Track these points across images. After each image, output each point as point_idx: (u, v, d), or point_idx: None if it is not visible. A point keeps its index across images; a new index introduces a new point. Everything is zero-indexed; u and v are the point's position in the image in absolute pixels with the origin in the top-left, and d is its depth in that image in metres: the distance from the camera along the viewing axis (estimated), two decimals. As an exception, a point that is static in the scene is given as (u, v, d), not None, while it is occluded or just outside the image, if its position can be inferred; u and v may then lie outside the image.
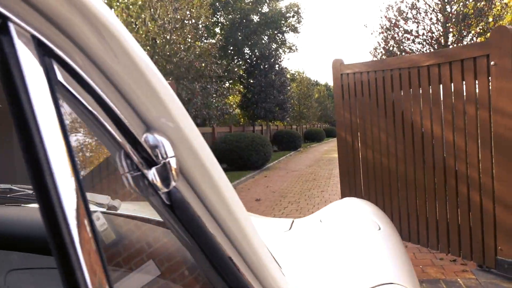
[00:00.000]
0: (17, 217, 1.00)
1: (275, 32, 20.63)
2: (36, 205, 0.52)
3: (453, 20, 7.95)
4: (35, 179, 0.31)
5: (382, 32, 9.08)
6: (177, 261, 0.59)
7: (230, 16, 19.32)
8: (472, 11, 7.64)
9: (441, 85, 3.69)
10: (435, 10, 8.17)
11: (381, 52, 9.14)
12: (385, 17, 8.95)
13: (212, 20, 20.53)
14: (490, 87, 3.17)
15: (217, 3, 18.97)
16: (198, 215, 0.48)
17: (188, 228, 0.47)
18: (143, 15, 8.47)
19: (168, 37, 8.15)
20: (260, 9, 19.51)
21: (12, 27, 0.30)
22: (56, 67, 0.34)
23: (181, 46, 7.81)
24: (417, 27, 8.45)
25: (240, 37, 19.02)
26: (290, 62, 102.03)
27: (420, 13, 8.38)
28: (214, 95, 8.16)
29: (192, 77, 7.94)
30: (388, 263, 1.11)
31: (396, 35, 8.71)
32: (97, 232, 0.34)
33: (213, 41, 20.86)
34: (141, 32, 8.42)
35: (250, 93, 19.57)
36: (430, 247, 3.86)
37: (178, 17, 7.96)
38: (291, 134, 23.66)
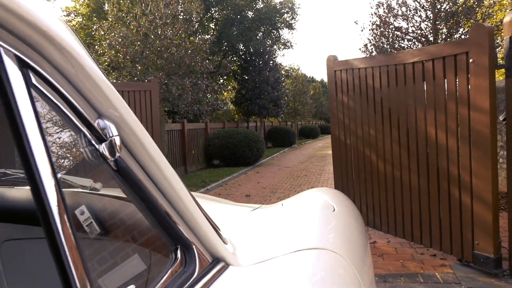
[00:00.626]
0: (12, 195, 1.19)
1: (270, 28, 20.60)
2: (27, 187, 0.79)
3: (442, 17, 7.99)
4: (23, 164, 0.46)
5: (372, 29, 9.12)
6: (139, 229, 0.74)
7: (225, 12, 19.26)
8: (460, 8, 7.69)
9: (424, 82, 3.73)
10: (424, 7, 8.21)
11: (372, 49, 9.17)
12: (375, 14, 8.98)
13: (207, 16, 20.50)
14: (469, 84, 3.21)
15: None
16: (139, 178, 0.64)
17: (132, 188, 0.63)
18: (134, 10, 8.45)
19: (159, 32, 8.14)
20: (254, 5, 19.47)
21: (1, 49, 0.45)
22: (31, 75, 0.49)
23: (172, 41, 7.81)
24: (407, 24, 8.50)
25: (234, 33, 18.98)
26: (285, 59, 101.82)
27: (410, 11, 8.43)
28: (205, 91, 8.16)
29: (183, 72, 7.94)
30: (330, 236, 1.24)
31: (386, 32, 8.75)
32: (70, 211, 0.49)
33: (207, 36, 20.87)
34: (132, 27, 8.41)
35: (244, 89, 19.56)
36: (414, 241, 3.91)
37: (169, 12, 7.94)
38: (286, 130, 23.69)
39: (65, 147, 0.59)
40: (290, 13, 21.36)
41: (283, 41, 23.65)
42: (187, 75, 8.03)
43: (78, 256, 0.47)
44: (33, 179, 0.45)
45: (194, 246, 0.72)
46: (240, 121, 20.25)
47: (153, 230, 0.68)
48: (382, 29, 8.78)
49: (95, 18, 13.15)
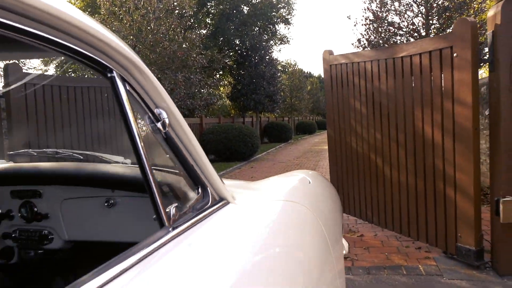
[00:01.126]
0: (67, 167, 1.70)
1: (266, 23, 20.54)
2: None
3: (435, 13, 8.00)
4: (130, 138, 0.85)
5: (365, 24, 9.12)
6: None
7: (221, 6, 19.19)
8: (453, 4, 7.70)
9: (412, 77, 3.75)
10: (417, 2, 8.21)
11: (364, 44, 9.17)
12: (368, 9, 8.98)
13: (202, 11, 20.42)
14: (453, 79, 3.23)
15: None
16: (177, 144, 1.02)
17: (173, 150, 1.02)
18: (127, 4, 8.42)
19: (152, 26, 8.12)
20: (250, 0, 19.41)
21: (115, 72, 0.82)
22: (126, 84, 0.86)
23: (165, 36, 7.79)
24: (400, 19, 8.51)
25: (230, 28, 18.93)
26: (282, 54, 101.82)
27: (402, 5, 8.43)
28: (198, 85, 8.15)
29: (176, 67, 7.93)
30: (303, 196, 1.65)
31: (379, 28, 8.74)
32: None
33: (204, 31, 20.79)
34: (125, 21, 8.38)
35: (240, 84, 19.54)
36: (402, 233, 3.94)
37: (162, 6, 7.92)
38: (282, 126, 23.71)
39: (140, 125, 0.94)
40: (286, 8, 21.30)
41: (279, 36, 23.60)
42: (180, 69, 8.02)
43: (158, 188, 0.86)
44: (135, 146, 0.84)
45: (208, 188, 1.12)
46: (236, 117, 20.25)
47: (186, 177, 1.08)
48: (375, 24, 8.78)
49: (87, 12, 13.08)
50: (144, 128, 0.94)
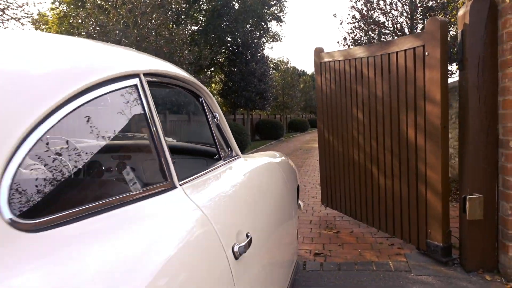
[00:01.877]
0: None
1: (257, 20, 20.49)
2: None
3: (419, 12, 8.05)
4: (211, 129, 1.96)
5: (351, 23, 9.16)
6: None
7: (213, 3, 19.11)
8: (436, 3, 7.75)
9: (390, 75, 3.77)
10: (401, 1, 8.27)
11: (351, 42, 9.21)
12: (354, 7, 9.01)
13: (194, 7, 20.33)
14: (425, 77, 3.26)
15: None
16: (222, 128, 1.97)
17: (220, 131, 1.95)
18: (114, -1, 8.37)
19: (139, 21, 8.08)
20: (242, -4, 19.35)
21: (202, 98, 1.86)
22: (201, 99, 1.81)
23: (151, 31, 7.75)
24: (385, 18, 8.55)
25: (222, 25, 18.86)
26: (275, 52, 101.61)
27: (387, 5, 8.47)
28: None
29: (162, 62, 7.86)
30: (275, 159, 2.73)
31: (365, 27, 8.78)
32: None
33: (195, 28, 20.69)
34: (112, 16, 8.33)
35: (231, 81, 19.50)
36: (381, 229, 3.98)
37: (148, 1, 7.88)
38: (274, 123, 23.72)
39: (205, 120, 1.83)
40: (278, 5, 21.25)
41: (271, 34, 23.55)
42: (166, 65, 7.98)
43: (220, 146, 1.91)
44: (210, 127, 1.84)
45: (233, 149, 2.05)
46: (227, 114, 20.21)
47: (225, 144, 1.99)
48: (360, 22, 8.82)
49: (72, 6, 12.97)
50: (211, 120, 1.84)
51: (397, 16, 8.34)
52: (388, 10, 8.41)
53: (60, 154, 0.89)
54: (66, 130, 0.91)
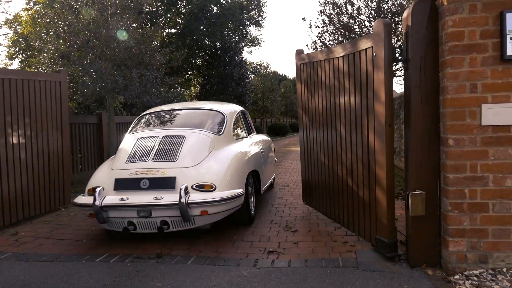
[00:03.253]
0: None
1: (236, 24, 20.56)
2: None
3: (385, 17, 8.24)
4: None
5: (319, 26, 9.32)
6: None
7: (190, 6, 19.09)
8: (400, 8, 7.97)
9: (348, 76, 3.83)
10: (369, 7, 8.46)
11: (320, 46, 9.35)
12: (322, 11, 9.17)
13: (173, 10, 20.28)
14: (374, 77, 3.34)
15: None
16: (249, 126, 6.32)
17: (249, 126, 6.28)
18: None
19: (109, 21, 8.01)
20: (221, 0, 19.39)
21: (243, 114, 6.30)
22: (243, 113, 6.31)
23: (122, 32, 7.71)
24: (353, 22, 8.72)
25: (200, 28, 18.85)
26: (256, 56, 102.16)
27: (354, 10, 8.65)
28: (154, 83, 8.09)
29: (132, 63, 7.85)
30: (267, 137, 6.97)
31: (333, 31, 8.96)
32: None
33: (172, 30, 20.62)
34: (81, 16, 8.24)
35: (208, 84, 19.50)
36: (345, 226, 4.06)
37: (118, 2, 7.83)
38: (253, 127, 23.77)
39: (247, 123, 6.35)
40: (256, 10, 21.37)
41: (250, 38, 23.66)
42: (136, 66, 7.95)
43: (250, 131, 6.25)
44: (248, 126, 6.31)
45: (252, 131, 6.25)
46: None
47: (253, 129, 6.47)
48: (329, 27, 8.98)
49: (45, 6, 12.80)
50: (249, 121, 6.03)
51: (364, 20, 8.53)
52: (356, 15, 8.59)
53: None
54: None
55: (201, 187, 3.85)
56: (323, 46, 9.33)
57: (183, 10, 20.30)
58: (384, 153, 3.20)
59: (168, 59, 9.56)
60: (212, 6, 18.97)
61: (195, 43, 19.72)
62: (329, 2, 9.00)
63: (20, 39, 15.82)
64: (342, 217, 4.09)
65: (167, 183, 3.86)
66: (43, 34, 8.64)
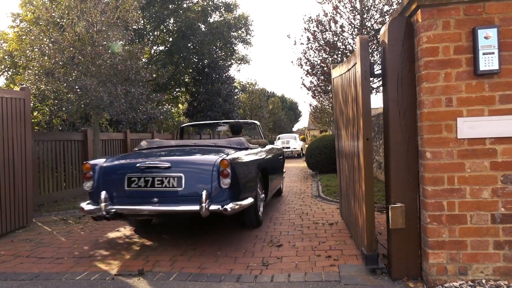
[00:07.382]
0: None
1: (224, 42, 20.78)
2: None
3: (368, 34, 8.44)
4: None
5: (303, 43, 9.49)
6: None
7: (178, 24, 19.27)
8: (382, 26, 8.17)
9: (340, 93, 3.94)
10: (351, 24, 8.66)
11: (305, 62, 9.51)
12: (306, 29, 9.35)
13: (161, 28, 20.44)
14: (357, 92, 3.41)
15: (165, 12, 18.90)
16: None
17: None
18: (70, 16, 8.32)
19: (95, 38, 8.04)
20: (206, 19, 19.62)
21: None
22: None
23: (105, 48, 7.73)
24: (337, 40, 8.90)
25: (187, 46, 18.99)
26: (244, 73, 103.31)
27: (338, 27, 8.85)
28: (140, 99, 8.09)
29: (117, 80, 7.85)
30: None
31: (318, 48, 9.12)
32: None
33: (162, 48, 20.73)
34: (67, 33, 8.25)
35: (196, 101, 19.56)
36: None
37: (103, 19, 7.87)
38: (240, 143, 23.80)
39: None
40: (244, 28, 21.67)
41: (238, 56, 23.91)
42: (121, 82, 7.95)
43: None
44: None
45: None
46: (194, 134, 20.14)
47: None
48: (314, 44, 9.14)
49: (27, 24, 12.79)
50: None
51: (347, 38, 8.71)
52: (339, 32, 8.78)
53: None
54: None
55: None
56: (308, 63, 9.50)
57: (171, 28, 20.47)
58: (362, 166, 3.24)
59: (154, 76, 9.58)
60: (199, 24, 19.19)
61: (183, 60, 19.84)
62: (313, 20, 9.21)
63: (6, 57, 15.71)
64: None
65: None
66: (28, 51, 8.61)
